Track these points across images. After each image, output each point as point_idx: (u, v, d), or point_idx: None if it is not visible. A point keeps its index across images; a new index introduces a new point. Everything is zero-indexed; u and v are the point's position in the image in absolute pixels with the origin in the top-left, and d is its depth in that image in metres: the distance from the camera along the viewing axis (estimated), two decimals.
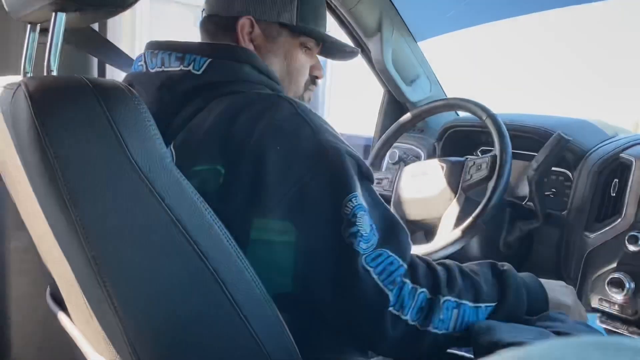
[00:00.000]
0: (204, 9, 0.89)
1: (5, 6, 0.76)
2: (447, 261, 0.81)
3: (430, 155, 1.75)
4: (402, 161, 1.71)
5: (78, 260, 0.63)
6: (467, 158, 1.39)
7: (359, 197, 0.71)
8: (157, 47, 0.79)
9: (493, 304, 0.79)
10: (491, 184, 1.23)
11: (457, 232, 1.22)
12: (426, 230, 1.48)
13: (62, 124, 0.56)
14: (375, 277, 0.70)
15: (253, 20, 0.84)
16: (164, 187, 0.61)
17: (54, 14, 0.65)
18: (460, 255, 1.24)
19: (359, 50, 1.03)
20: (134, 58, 0.87)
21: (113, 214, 0.59)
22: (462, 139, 1.69)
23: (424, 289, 0.74)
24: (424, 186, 1.45)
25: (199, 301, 0.66)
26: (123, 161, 0.58)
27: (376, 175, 1.34)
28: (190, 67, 0.75)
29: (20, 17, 0.75)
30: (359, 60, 1.87)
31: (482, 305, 0.78)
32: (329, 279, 0.70)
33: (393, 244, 0.74)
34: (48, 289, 1.02)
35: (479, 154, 1.66)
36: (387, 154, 1.68)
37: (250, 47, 0.85)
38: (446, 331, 0.74)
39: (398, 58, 1.78)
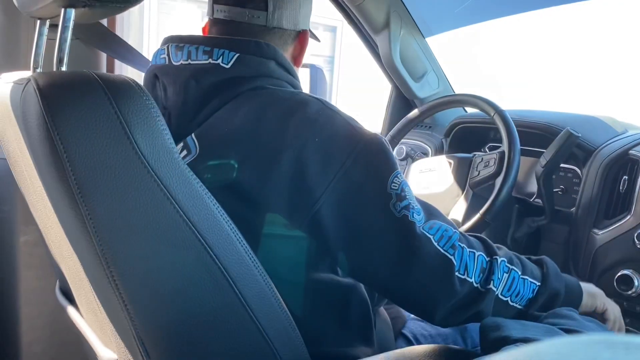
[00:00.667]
0: (220, 14, 0.84)
1: (14, 1, 0.77)
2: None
3: (438, 151, 1.75)
4: (410, 157, 1.71)
5: (87, 254, 0.63)
6: (474, 154, 1.38)
7: (402, 174, 0.75)
8: (182, 41, 0.80)
9: (537, 284, 0.83)
10: (499, 180, 1.23)
11: (465, 228, 1.22)
12: None
13: (71, 119, 0.57)
14: (435, 244, 0.74)
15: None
16: (171, 182, 0.61)
17: (63, 9, 0.65)
18: None
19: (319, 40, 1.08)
20: (142, 53, 0.87)
21: (121, 207, 0.59)
22: (470, 135, 1.68)
23: (480, 252, 0.79)
24: (431, 182, 1.44)
25: (207, 297, 0.66)
26: (130, 155, 0.58)
27: None
28: (219, 61, 0.77)
29: (30, 13, 0.75)
30: (367, 55, 1.87)
31: (528, 279, 0.82)
32: (392, 254, 0.73)
33: (439, 216, 0.78)
34: (57, 283, 1.03)
35: (487, 151, 1.65)
36: (395, 150, 1.67)
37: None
38: (498, 291, 0.79)
39: (406, 54, 1.78)
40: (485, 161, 1.31)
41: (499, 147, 1.29)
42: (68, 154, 0.57)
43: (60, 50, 0.67)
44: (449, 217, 1.31)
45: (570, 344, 0.22)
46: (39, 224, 0.89)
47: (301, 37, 0.88)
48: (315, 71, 1.59)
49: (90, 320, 0.84)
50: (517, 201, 1.42)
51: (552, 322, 0.75)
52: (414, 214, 0.73)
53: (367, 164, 0.73)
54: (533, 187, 1.38)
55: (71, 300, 0.94)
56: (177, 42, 0.80)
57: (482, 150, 1.66)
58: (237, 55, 0.77)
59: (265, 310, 0.68)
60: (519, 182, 1.45)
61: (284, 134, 0.71)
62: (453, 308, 0.77)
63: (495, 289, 0.78)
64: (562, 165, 1.37)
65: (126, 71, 1.35)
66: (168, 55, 0.80)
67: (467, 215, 1.29)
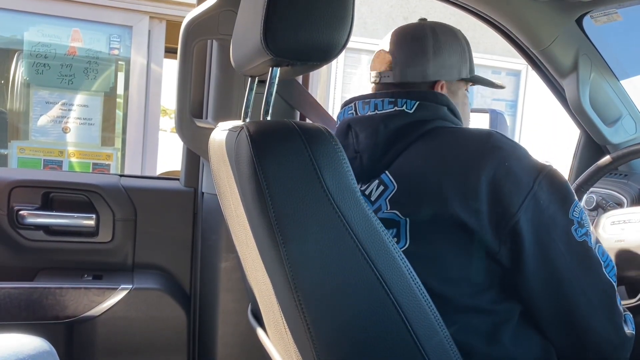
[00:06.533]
0: (381, 75, 1.02)
1: (232, 62, 0.92)
2: None
3: (635, 202, 1.59)
4: (600, 207, 1.58)
5: (278, 279, 0.72)
6: None
7: (580, 203, 0.85)
8: (367, 97, 0.96)
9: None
10: None
11: None
12: (628, 285, 1.34)
13: (274, 160, 0.67)
14: (603, 269, 0.85)
15: (444, 83, 1.00)
16: (352, 217, 0.68)
17: (271, 68, 0.77)
18: None
19: (503, 87, 1.19)
20: (329, 102, 1.01)
21: (309, 237, 0.67)
22: None
23: None
24: (627, 234, 1.32)
25: (380, 330, 0.71)
26: (319, 192, 0.67)
27: None
28: (404, 108, 0.91)
29: (243, 71, 0.90)
30: (553, 100, 1.79)
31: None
32: (571, 273, 0.82)
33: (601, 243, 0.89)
34: (249, 306, 1.15)
35: None
36: (583, 199, 1.56)
37: None
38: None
39: (597, 97, 1.67)
40: None
41: None
42: (269, 189, 0.67)
43: (267, 102, 0.78)
44: None
45: None
46: (238, 251, 1.03)
47: (436, 89, 1.00)
48: (495, 116, 1.58)
49: (276, 341, 0.93)
50: None
51: None
52: (590, 240, 0.83)
53: (552, 190, 0.82)
54: None
55: (260, 322, 1.05)
56: (362, 99, 0.95)
57: None
58: (418, 102, 0.91)
59: (433, 344, 0.71)
60: None
61: (476, 162, 0.82)
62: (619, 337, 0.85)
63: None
64: None
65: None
66: (355, 110, 0.95)
67: None
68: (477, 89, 5.34)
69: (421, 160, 0.86)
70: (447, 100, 0.94)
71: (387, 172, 0.88)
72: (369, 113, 0.93)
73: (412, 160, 0.87)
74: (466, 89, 1.07)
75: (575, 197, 0.84)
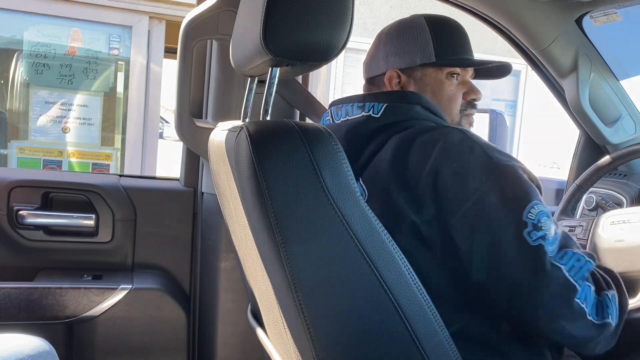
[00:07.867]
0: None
1: (232, 63, 0.92)
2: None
3: (635, 202, 1.59)
4: (600, 207, 1.58)
5: (278, 279, 0.72)
6: None
7: (541, 204, 0.79)
8: (341, 102, 0.96)
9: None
10: None
11: None
12: (628, 284, 1.34)
13: (273, 160, 0.67)
14: (565, 273, 0.77)
15: (398, 71, 0.98)
16: (352, 217, 0.68)
17: (270, 68, 0.77)
18: None
19: (510, 64, 1.08)
20: (328, 104, 1.01)
21: (309, 237, 0.68)
22: None
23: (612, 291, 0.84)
24: (626, 234, 1.32)
25: (379, 327, 0.71)
26: (319, 192, 0.67)
27: (569, 223, 1.27)
28: (370, 113, 0.90)
29: (243, 72, 0.90)
30: (553, 100, 1.80)
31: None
32: (521, 278, 0.76)
33: (573, 246, 0.82)
34: (249, 306, 1.15)
35: None
36: (583, 199, 1.56)
37: None
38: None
39: (596, 97, 1.67)
40: None
41: None
42: (269, 189, 0.67)
43: (266, 102, 0.78)
44: None
45: None
46: (237, 251, 1.03)
47: (387, 79, 0.98)
48: (494, 116, 1.59)
49: (275, 341, 0.93)
50: None
51: None
52: (548, 244, 0.76)
53: (503, 192, 0.77)
54: None
55: (260, 322, 1.05)
56: (338, 104, 0.96)
57: None
58: (385, 105, 0.89)
59: (433, 344, 0.72)
60: None
61: (425, 163, 0.79)
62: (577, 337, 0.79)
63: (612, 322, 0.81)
64: None
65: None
66: (332, 116, 0.96)
67: None
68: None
69: (385, 166, 0.83)
70: (418, 98, 0.91)
71: (360, 179, 0.87)
72: (342, 119, 0.94)
73: (379, 166, 0.84)
74: (452, 75, 0.98)
75: (537, 198, 0.79)
